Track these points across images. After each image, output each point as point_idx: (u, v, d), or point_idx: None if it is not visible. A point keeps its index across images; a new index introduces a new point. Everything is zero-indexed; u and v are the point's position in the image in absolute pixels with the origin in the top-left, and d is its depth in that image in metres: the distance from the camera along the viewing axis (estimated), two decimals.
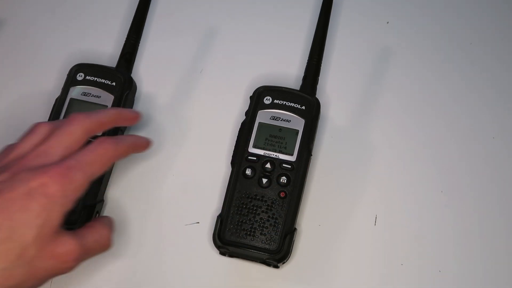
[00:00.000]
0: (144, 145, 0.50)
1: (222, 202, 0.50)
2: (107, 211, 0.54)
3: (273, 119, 0.52)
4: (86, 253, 0.43)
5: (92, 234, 0.44)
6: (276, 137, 0.52)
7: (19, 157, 0.42)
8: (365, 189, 0.54)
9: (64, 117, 0.53)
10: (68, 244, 0.41)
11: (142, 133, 0.57)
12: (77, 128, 0.43)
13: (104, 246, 0.45)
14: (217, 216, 0.50)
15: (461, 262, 0.51)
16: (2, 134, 0.58)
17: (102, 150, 0.42)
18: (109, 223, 0.47)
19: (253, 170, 0.51)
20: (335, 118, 0.57)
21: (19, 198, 0.38)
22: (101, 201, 0.54)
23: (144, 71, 0.60)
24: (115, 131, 0.53)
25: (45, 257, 0.39)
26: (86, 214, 0.51)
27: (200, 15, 0.63)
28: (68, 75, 0.55)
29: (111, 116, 0.47)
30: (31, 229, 0.38)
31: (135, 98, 0.58)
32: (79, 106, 0.54)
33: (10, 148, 0.44)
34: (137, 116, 0.50)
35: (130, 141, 0.47)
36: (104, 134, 0.50)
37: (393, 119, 0.57)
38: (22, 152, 0.43)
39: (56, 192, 0.39)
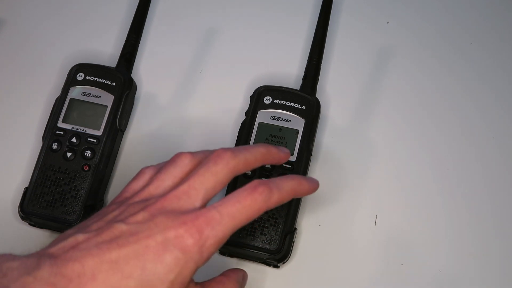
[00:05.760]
0: (307, 190, 0.42)
1: None
2: None
3: (273, 119, 0.52)
4: None
5: None
6: (276, 137, 0.52)
7: (159, 193, 0.39)
8: (365, 189, 0.54)
9: (65, 116, 0.53)
10: None
11: (143, 134, 0.57)
12: (222, 168, 0.39)
13: None
14: None
15: (461, 262, 0.51)
16: (2, 134, 0.58)
17: (251, 202, 0.37)
18: (242, 281, 0.42)
19: (253, 170, 0.51)
20: (335, 118, 0.57)
21: (155, 247, 0.35)
22: (101, 201, 0.54)
23: (144, 71, 0.60)
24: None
25: None
26: (86, 214, 0.51)
27: (200, 15, 0.63)
28: (68, 75, 0.55)
29: (260, 156, 0.41)
30: (162, 284, 0.35)
31: (135, 98, 0.58)
32: (79, 106, 0.54)
33: (148, 173, 0.42)
34: (286, 156, 0.44)
35: (290, 187, 0.40)
36: None
37: (393, 119, 0.57)
38: (163, 186, 0.40)
39: (192, 248, 0.36)
